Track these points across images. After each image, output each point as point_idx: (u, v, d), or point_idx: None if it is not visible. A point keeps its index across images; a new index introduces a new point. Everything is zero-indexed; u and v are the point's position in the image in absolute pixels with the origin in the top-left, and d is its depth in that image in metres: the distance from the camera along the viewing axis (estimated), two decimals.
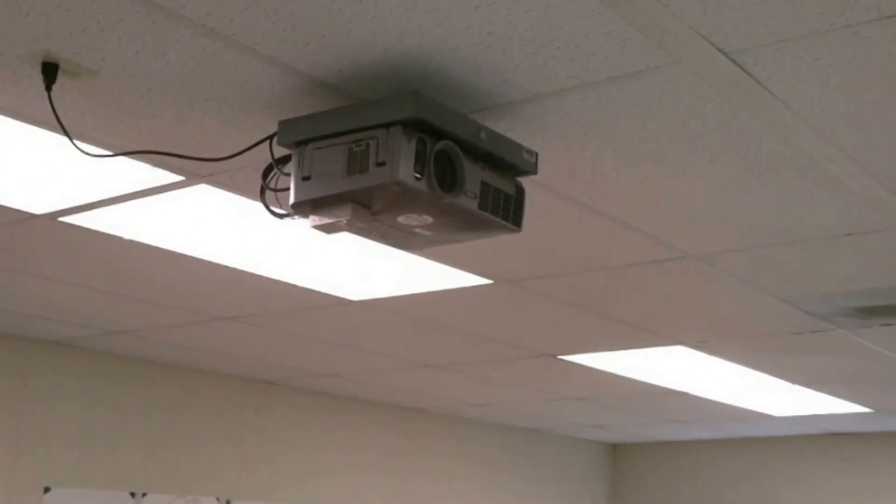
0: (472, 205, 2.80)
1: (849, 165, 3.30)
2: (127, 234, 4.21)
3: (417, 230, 2.94)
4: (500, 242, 4.21)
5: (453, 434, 9.29)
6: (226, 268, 4.65)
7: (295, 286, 4.93)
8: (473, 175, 2.79)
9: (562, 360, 6.52)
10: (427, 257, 4.39)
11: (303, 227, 4.00)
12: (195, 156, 3.32)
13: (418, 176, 2.64)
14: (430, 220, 2.85)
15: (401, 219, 2.85)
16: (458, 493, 9.26)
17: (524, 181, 3.41)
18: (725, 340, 5.88)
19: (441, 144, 2.68)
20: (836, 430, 9.64)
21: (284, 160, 2.99)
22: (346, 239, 4.14)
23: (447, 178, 2.71)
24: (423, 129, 2.65)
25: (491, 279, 4.73)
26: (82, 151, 3.07)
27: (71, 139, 2.97)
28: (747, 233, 4.02)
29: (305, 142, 2.79)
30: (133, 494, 6.71)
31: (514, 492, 9.86)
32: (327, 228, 2.84)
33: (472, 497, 9.40)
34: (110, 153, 3.28)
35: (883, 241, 4.07)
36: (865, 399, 7.76)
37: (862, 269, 4.44)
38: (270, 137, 2.95)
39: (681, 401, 8.04)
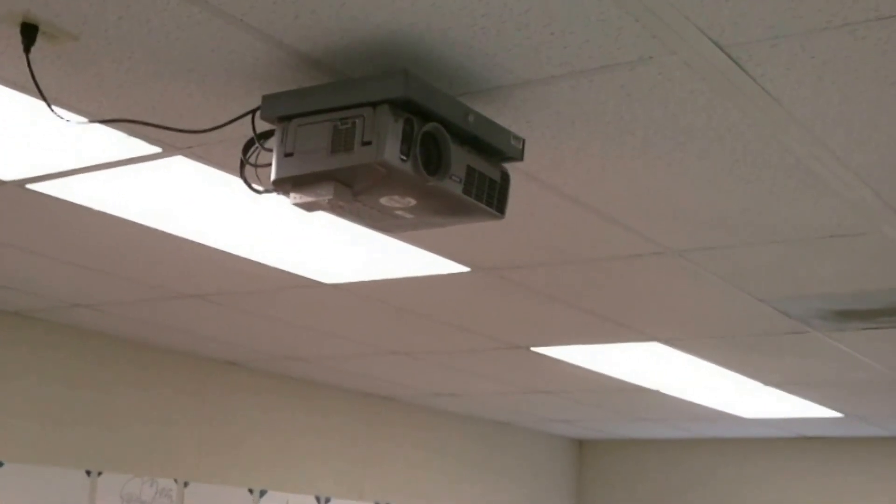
0: (457, 189, 2.76)
1: (836, 167, 3.28)
2: (97, 205, 4.14)
3: (399, 212, 2.90)
4: (480, 229, 4.17)
5: (418, 423, 9.26)
6: (196, 244, 4.59)
7: (266, 266, 4.87)
8: (459, 159, 2.75)
9: (535, 352, 6.49)
10: (405, 241, 4.34)
11: (281, 205, 3.95)
12: (174, 127, 3.26)
13: (404, 157, 2.59)
14: (412, 202, 2.81)
15: (383, 200, 2.80)
16: (421, 482, 9.23)
17: (509, 168, 3.38)
18: (700, 338, 5.86)
19: (428, 126, 2.64)
20: (806, 433, 9.67)
21: (266, 135, 2.94)
22: (322, 220, 4.10)
23: (433, 161, 2.67)
24: (411, 110, 2.61)
25: (468, 267, 4.69)
26: (59, 117, 3.01)
27: (48, 104, 2.91)
28: (729, 230, 3.99)
29: (289, 117, 2.74)
30: (88, 473, 6.63)
31: (478, 483, 9.83)
32: (308, 207, 2.79)
33: (435, 487, 9.38)
34: (86, 120, 3.22)
35: (865, 245, 4.05)
36: (837, 404, 7.77)
37: (842, 271, 4.43)
38: (253, 111, 2.90)
39: (652, 399, 8.03)
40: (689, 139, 3.15)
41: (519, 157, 2.91)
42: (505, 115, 3.05)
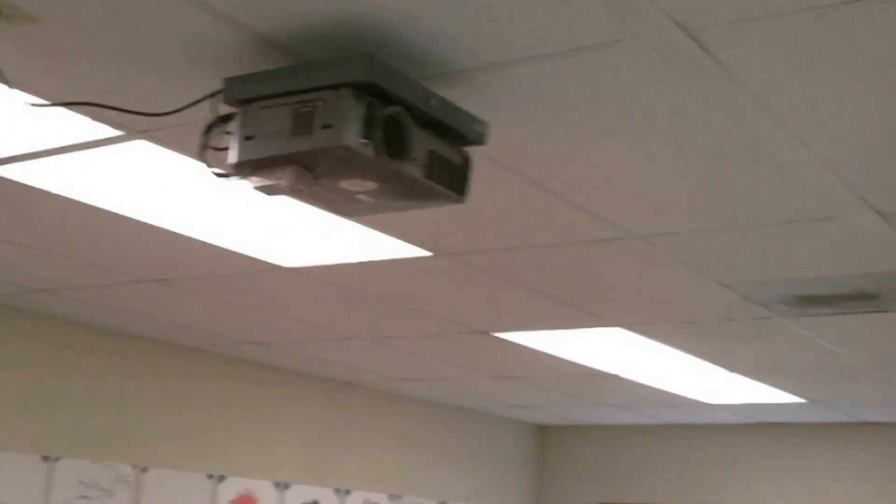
0: (418, 173, 2.74)
1: (802, 152, 3.27)
2: (57, 189, 4.10)
3: (360, 196, 2.88)
4: (443, 213, 4.15)
5: (379, 409, 9.23)
6: (156, 228, 4.55)
7: (226, 250, 4.83)
8: (421, 143, 2.73)
9: (496, 337, 6.48)
10: (366, 225, 4.32)
11: (241, 188, 3.92)
12: (135, 110, 3.22)
13: (365, 141, 2.57)
14: (373, 186, 2.79)
15: (343, 184, 2.78)
16: (381, 468, 9.21)
17: (471, 151, 3.36)
18: (664, 323, 5.87)
19: (390, 110, 2.62)
20: (769, 419, 9.70)
21: (227, 119, 2.91)
22: (282, 203, 4.07)
23: (394, 145, 2.65)
24: (373, 93, 2.59)
25: (431, 251, 4.67)
26: (18, 99, 2.97)
27: (8, 85, 2.86)
28: (693, 216, 3.99)
29: (251, 100, 2.72)
30: (46, 458, 6.58)
31: (439, 469, 9.83)
32: (268, 190, 2.77)
33: (396, 473, 9.37)
34: (47, 103, 3.18)
35: (830, 231, 4.06)
36: (800, 389, 7.80)
37: (806, 257, 4.44)
38: (215, 94, 2.86)
39: (614, 384, 8.04)
40: (654, 123, 3.14)
41: (481, 140, 2.89)
42: (468, 99, 3.03)
